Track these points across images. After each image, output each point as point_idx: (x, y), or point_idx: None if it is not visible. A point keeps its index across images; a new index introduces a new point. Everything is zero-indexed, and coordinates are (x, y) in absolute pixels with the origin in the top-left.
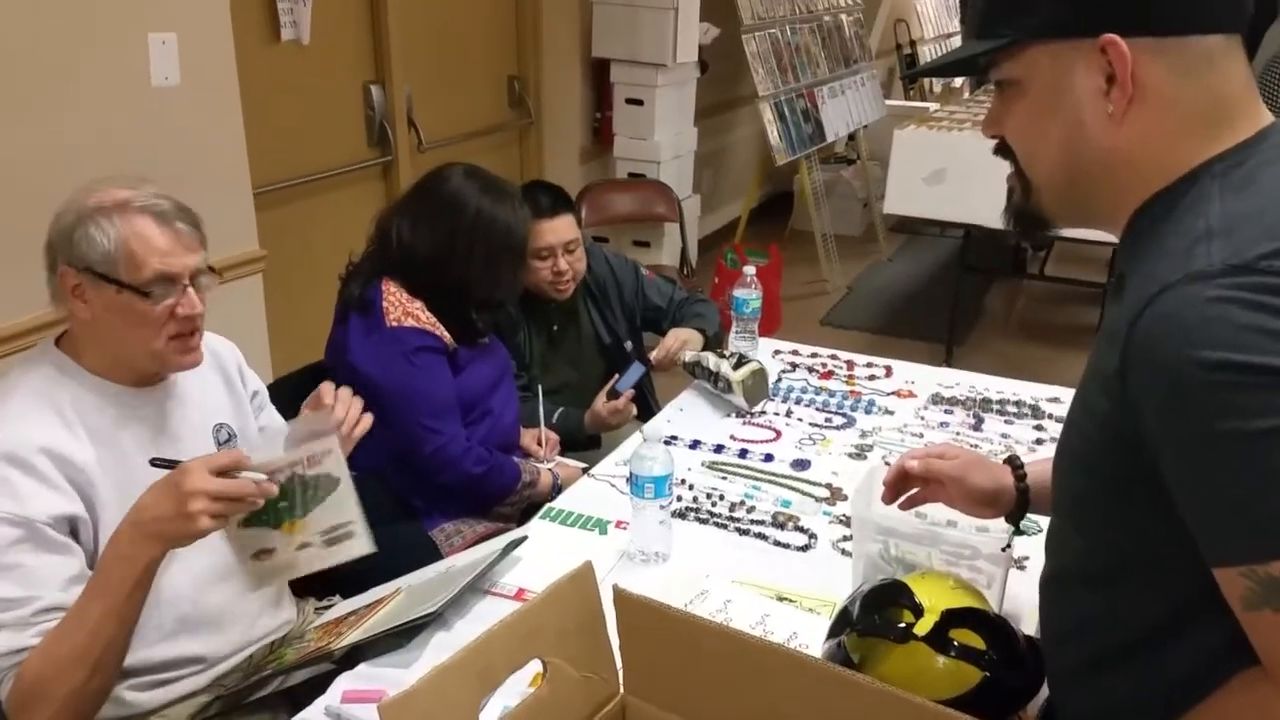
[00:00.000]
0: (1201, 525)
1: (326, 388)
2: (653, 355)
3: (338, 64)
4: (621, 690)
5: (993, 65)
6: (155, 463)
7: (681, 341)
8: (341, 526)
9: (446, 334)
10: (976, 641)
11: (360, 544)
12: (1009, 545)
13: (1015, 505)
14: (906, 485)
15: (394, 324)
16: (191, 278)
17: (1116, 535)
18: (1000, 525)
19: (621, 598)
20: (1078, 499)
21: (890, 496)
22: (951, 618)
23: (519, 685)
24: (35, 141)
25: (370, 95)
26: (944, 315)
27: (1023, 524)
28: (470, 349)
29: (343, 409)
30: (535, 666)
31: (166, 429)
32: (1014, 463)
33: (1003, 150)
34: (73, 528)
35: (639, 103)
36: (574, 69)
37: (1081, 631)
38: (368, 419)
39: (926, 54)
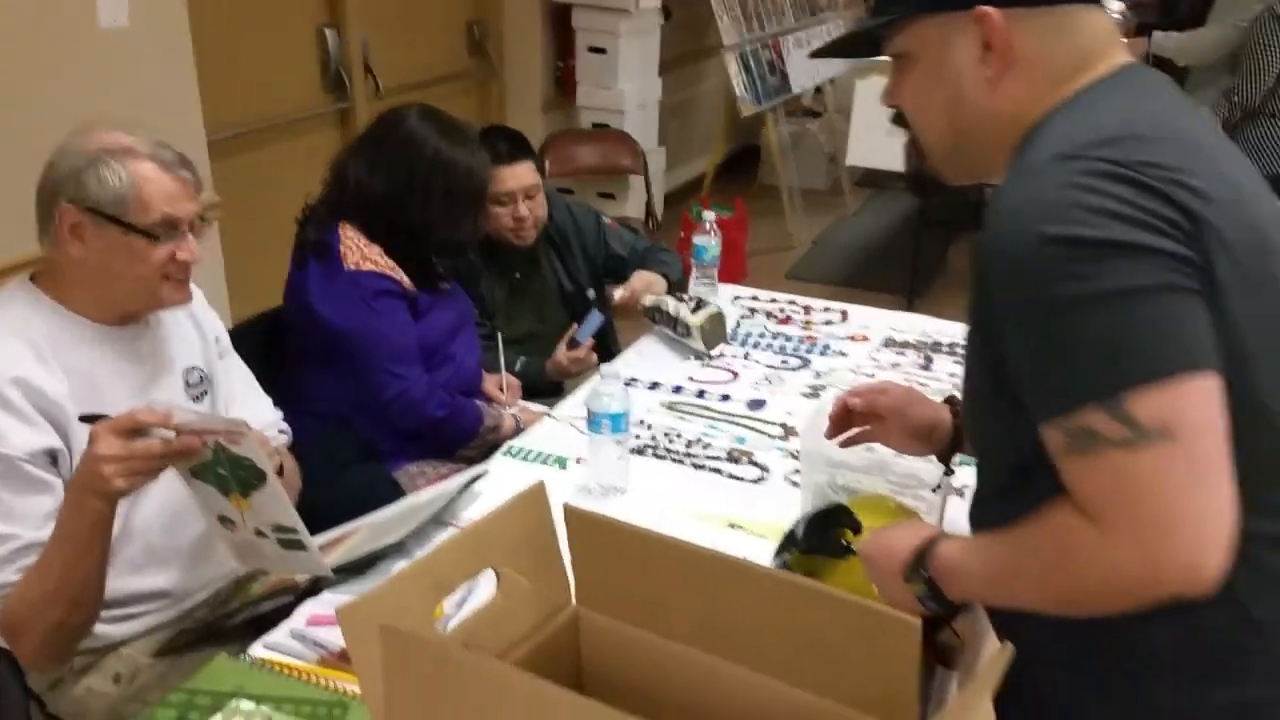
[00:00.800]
0: (1031, 390)
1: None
2: (616, 293)
3: (291, 7)
4: (573, 601)
5: (885, 40)
6: (83, 418)
7: (646, 283)
8: (289, 531)
9: (406, 279)
10: None
11: (315, 560)
12: (950, 471)
13: (949, 440)
14: (849, 421)
15: (352, 268)
16: (190, 224)
17: (1002, 450)
18: None
19: (571, 512)
20: (972, 422)
21: (834, 432)
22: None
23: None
24: None
25: (325, 39)
26: (907, 268)
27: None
28: (431, 294)
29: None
30: (491, 579)
31: (142, 368)
32: (952, 401)
33: (901, 120)
34: (53, 459)
35: (602, 50)
36: (534, 14)
37: None
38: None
39: None
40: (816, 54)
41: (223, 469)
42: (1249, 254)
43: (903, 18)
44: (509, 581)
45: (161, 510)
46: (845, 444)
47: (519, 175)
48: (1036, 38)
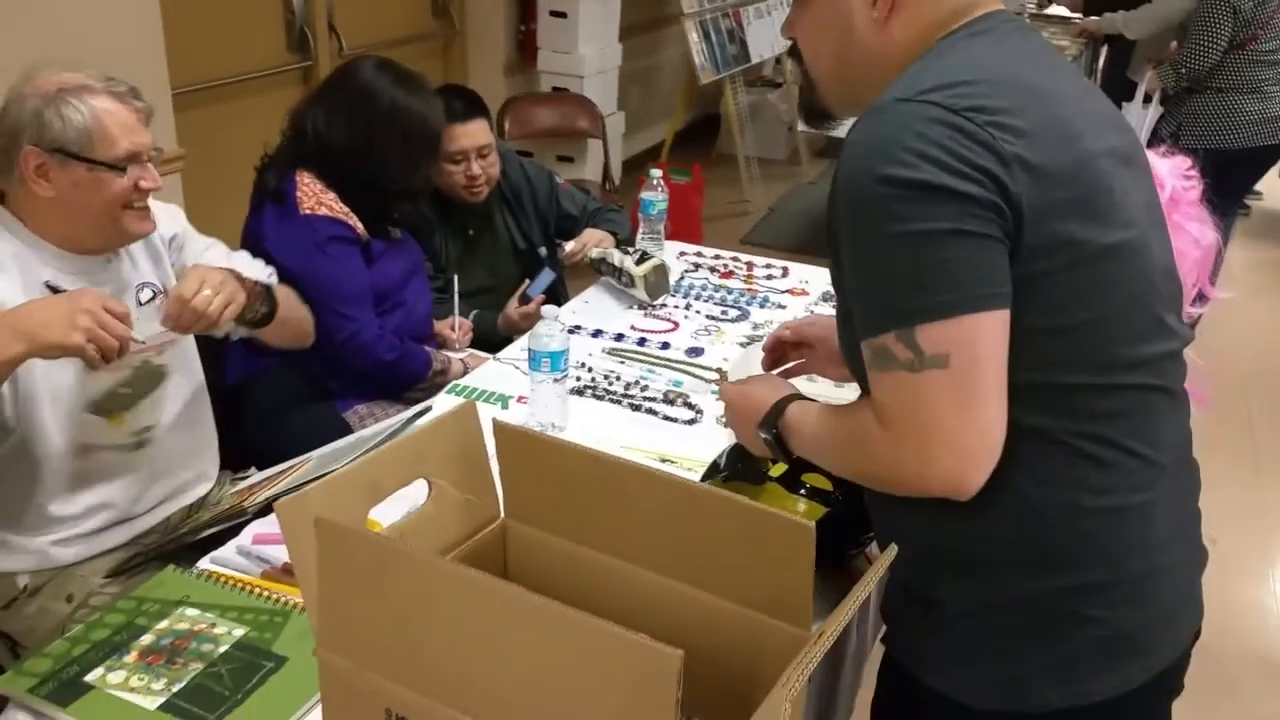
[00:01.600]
0: (855, 315)
1: (192, 279)
2: (566, 246)
3: None
4: (502, 514)
5: None
6: (48, 284)
7: (596, 240)
8: (147, 430)
9: (360, 225)
10: (824, 484)
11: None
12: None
13: None
14: (783, 354)
15: (307, 213)
16: (148, 154)
17: (852, 359)
18: None
19: (500, 427)
20: (842, 337)
21: (769, 364)
22: (803, 464)
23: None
24: None
25: None
26: None
27: None
28: (383, 242)
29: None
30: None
31: (101, 289)
32: None
33: (796, 53)
34: None
35: (563, 15)
36: None
37: None
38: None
39: None
40: None
41: (129, 389)
42: (1074, 186)
43: None
44: (440, 491)
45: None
46: (783, 375)
47: (472, 134)
48: None
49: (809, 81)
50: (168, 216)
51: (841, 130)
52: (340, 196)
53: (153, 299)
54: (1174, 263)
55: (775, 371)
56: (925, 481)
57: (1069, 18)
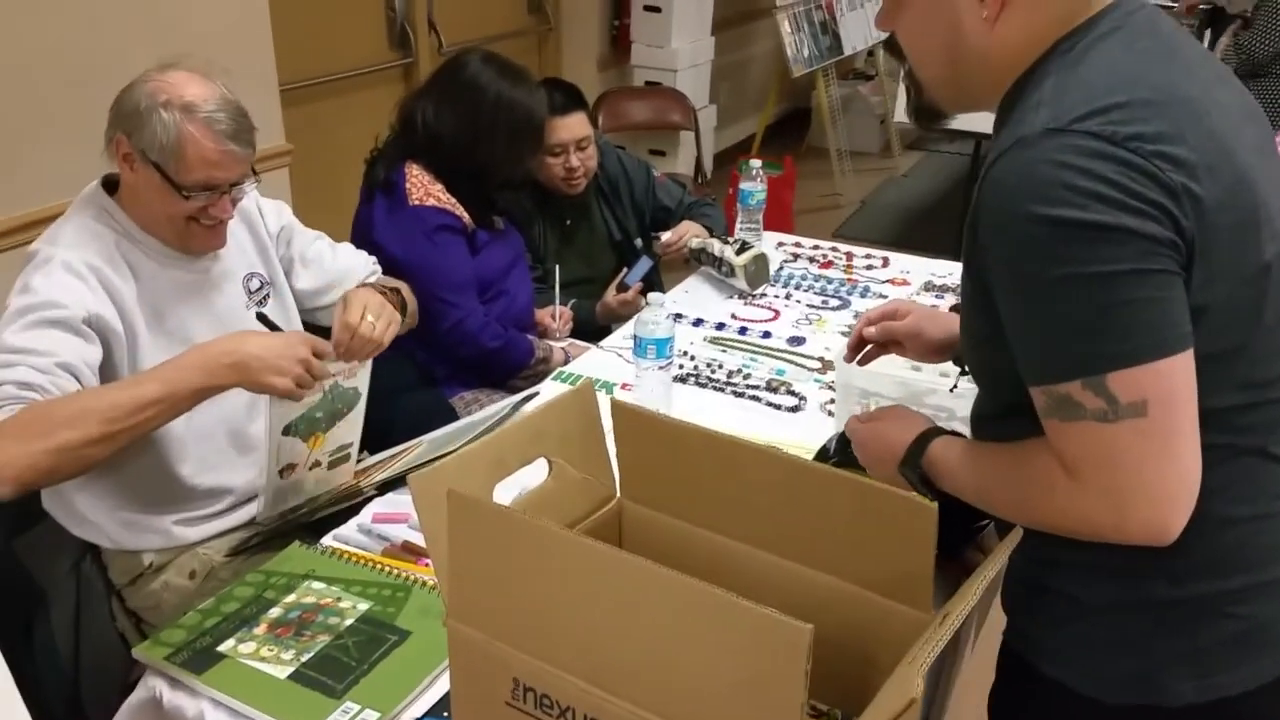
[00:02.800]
0: (1018, 354)
1: (355, 307)
2: (663, 236)
3: None
4: (618, 494)
5: None
6: (261, 317)
7: (693, 232)
8: (345, 448)
9: (466, 215)
10: None
11: (348, 469)
12: (955, 386)
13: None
14: (867, 345)
15: (416, 203)
16: (230, 185)
17: (998, 381)
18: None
19: (619, 406)
20: (969, 353)
21: (851, 357)
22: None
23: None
24: (66, 35)
25: None
26: (955, 228)
27: None
28: (488, 232)
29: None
30: (543, 464)
31: (203, 278)
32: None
33: (895, 50)
34: (103, 334)
35: (657, 9)
36: None
37: None
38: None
39: None
40: None
41: (320, 412)
42: (1235, 211)
43: None
44: (560, 470)
45: (233, 412)
46: (864, 362)
47: (571, 126)
48: None
49: (915, 81)
50: (274, 211)
51: (955, 123)
52: (447, 187)
53: (261, 288)
54: None
55: (857, 360)
56: (1123, 534)
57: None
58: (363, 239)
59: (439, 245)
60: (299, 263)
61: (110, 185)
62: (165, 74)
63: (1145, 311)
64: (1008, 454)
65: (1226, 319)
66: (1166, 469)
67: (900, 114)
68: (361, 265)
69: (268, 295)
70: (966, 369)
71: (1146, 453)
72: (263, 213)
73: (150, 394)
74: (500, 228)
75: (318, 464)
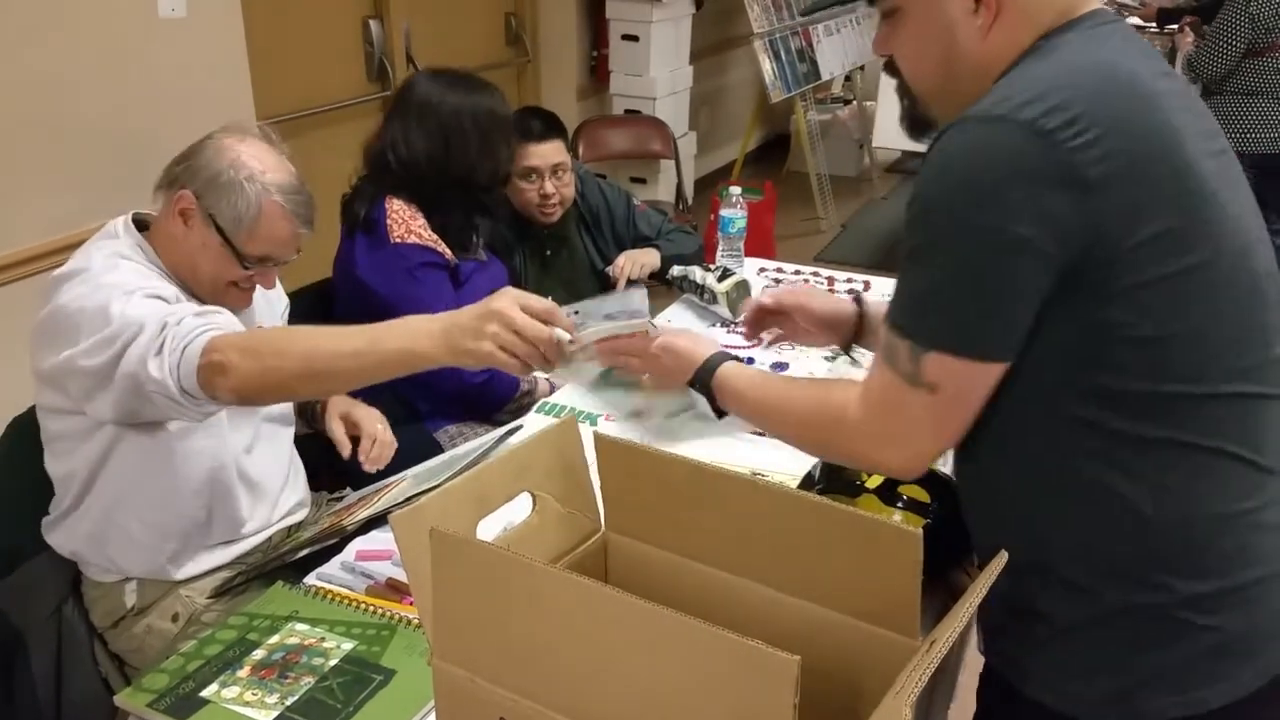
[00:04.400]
0: (895, 292)
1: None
2: (617, 261)
3: None
4: (603, 527)
5: None
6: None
7: (633, 261)
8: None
9: (447, 250)
10: (922, 495)
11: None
12: (849, 355)
13: (852, 331)
14: (763, 321)
15: (398, 240)
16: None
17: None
18: None
19: (602, 439)
20: None
21: (751, 333)
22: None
23: (514, 515)
24: (41, 70)
25: (369, 30)
26: None
27: None
28: (471, 263)
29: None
30: (526, 499)
31: None
32: (857, 298)
33: (891, 69)
34: None
35: (635, 39)
36: (569, 5)
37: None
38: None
39: None
40: (807, 11)
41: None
42: (1170, 194)
43: None
44: (544, 504)
45: (230, 445)
46: (761, 342)
47: (545, 153)
48: None
49: (911, 96)
50: (280, 288)
51: (911, 144)
52: (430, 215)
53: None
54: (1277, 265)
55: (755, 338)
56: (874, 466)
57: (1144, 26)
58: (345, 276)
59: (421, 281)
60: None
61: (138, 223)
62: (243, 143)
63: (983, 316)
64: (808, 385)
65: (1170, 304)
66: (929, 436)
67: (879, 139)
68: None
69: None
70: (853, 356)
71: (921, 419)
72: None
73: (351, 346)
74: (484, 257)
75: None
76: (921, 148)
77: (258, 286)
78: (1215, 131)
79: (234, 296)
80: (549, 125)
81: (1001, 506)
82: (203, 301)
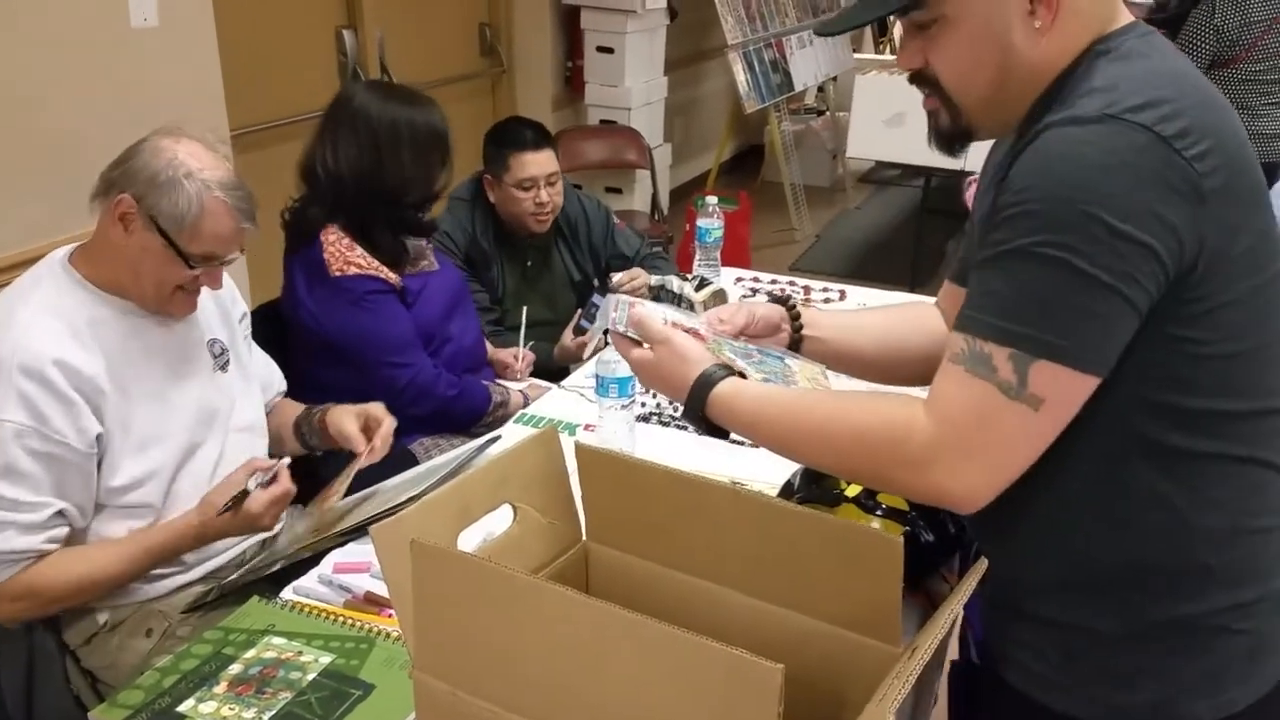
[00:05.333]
0: (969, 296)
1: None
2: (615, 277)
3: (310, 8)
4: (584, 537)
5: (917, 5)
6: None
7: (643, 279)
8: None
9: (391, 274)
10: (901, 504)
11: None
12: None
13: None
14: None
15: (338, 274)
16: (226, 259)
17: None
18: None
19: (582, 449)
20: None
21: None
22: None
23: (495, 526)
24: (11, 80)
25: (343, 40)
26: (908, 260)
27: None
28: (418, 278)
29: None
30: (507, 510)
31: (171, 341)
32: (787, 303)
33: (920, 80)
34: (96, 441)
35: (609, 50)
36: (544, 16)
37: None
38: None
39: None
40: (829, 32)
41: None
42: (1257, 210)
43: None
44: (525, 515)
45: (196, 479)
46: None
47: (541, 162)
48: None
49: (952, 108)
50: (236, 291)
51: (906, 157)
52: (365, 236)
53: (223, 354)
54: None
55: None
56: (941, 493)
57: None
58: (292, 308)
59: (371, 309)
60: (245, 357)
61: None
62: (179, 143)
63: (1100, 326)
64: (850, 398)
65: (1243, 321)
66: (1016, 458)
67: (853, 149)
68: (279, 380)
69: (228, 361)
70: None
71: (1014, 437)
72: (225, 284)
73: (141, 556)
74: (434, 266)
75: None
76: (893, 158)
77: (205, 290)
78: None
79: (180, 301)
80: (541, 134)
81: (1039, 522)
82: (154, 309)
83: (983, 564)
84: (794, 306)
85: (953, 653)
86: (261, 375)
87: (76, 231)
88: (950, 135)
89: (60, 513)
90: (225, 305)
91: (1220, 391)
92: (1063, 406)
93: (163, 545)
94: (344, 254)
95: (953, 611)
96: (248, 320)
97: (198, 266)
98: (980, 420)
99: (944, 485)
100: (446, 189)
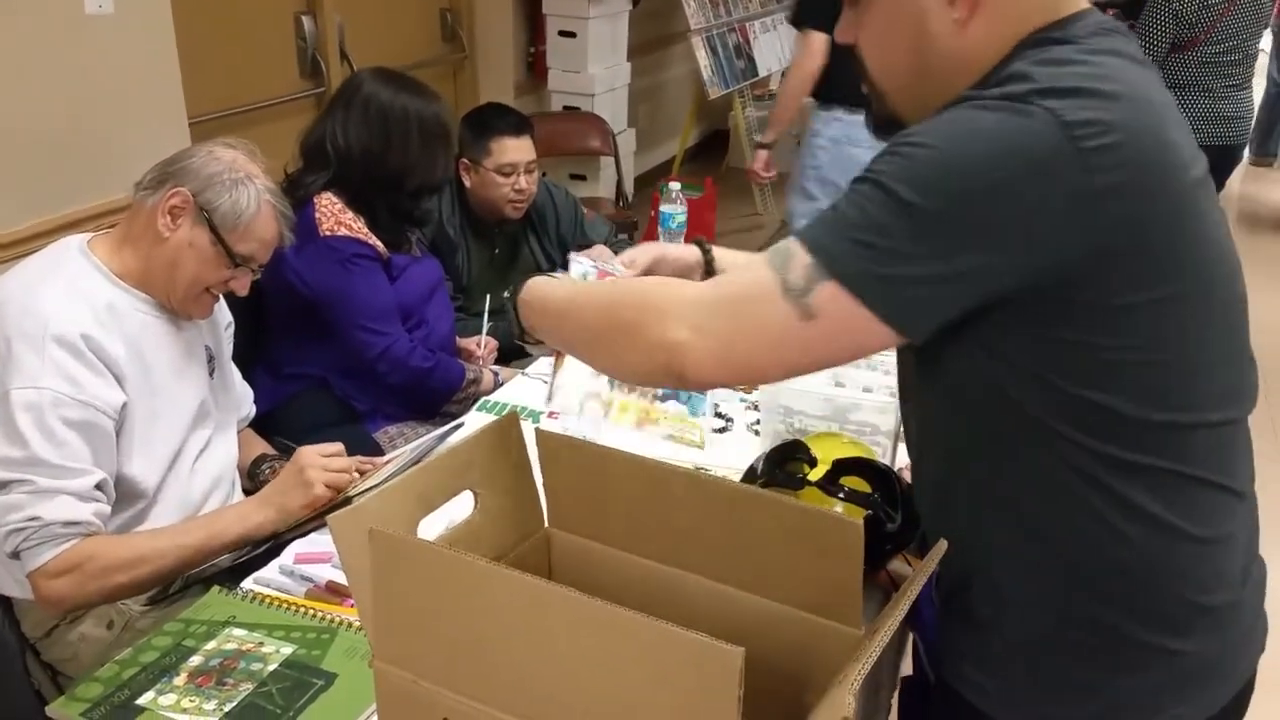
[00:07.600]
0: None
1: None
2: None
3: None
4: (546, 524)
5: None
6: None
7: (606, 255)
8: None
9: (380, 243)
10: (863, 486)
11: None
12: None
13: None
14: None
15: (327, 233)
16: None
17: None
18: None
19: (542, 434)
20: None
21: None
22: (841, 467)
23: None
24: None
25: (302, 25)
26: None
27: None
28: (404, 258)
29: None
30: (468, 497)
31: (179, 339)
32: (700, 243)
33: (858, 63)
34: (123, 415)
35: (571, 35)
36: (505, 1)
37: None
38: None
39: None
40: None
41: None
42: (1174, 215)
43: None
44: (486, 502)
45: (180, 475)
46: None
47: (522, 148)
48: None
49: (876, 92)
50: (223, 304)
51: None
52: (362, 212)
53: (211, 360)
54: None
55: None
56: (669, 353)
57: None
58: (273, 274)
59: (356, 273)
60: (226, 364)
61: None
62: (231, 151)
63: (914, 280)
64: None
65: (1169, 328)
66: (755, 352)
67: None
68: (249, 404)
69: (214, 369)
70: None
71: (767, 331)
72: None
73: (197, 540)
74: (417, 253)
75: None
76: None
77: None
78: (1196, 148)
79: (204, 303)
80: (522, 121)
81: (975, 519)
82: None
83: (942, 545)
84: (709, 250)
85: (906, 668)
86: (236, 393)
87: (32, 220)
88: (879, 121)
89: (99, 486)
90: (215, 314)
91: (1148, 401)
92: (832, 335)
93: (239, 536)
94: (336, 215)
95: (911, 594)
96: (232, 330)
97: (240, 265)
98: (745, 299)
99: (676, 339)
100: (443, 182)
